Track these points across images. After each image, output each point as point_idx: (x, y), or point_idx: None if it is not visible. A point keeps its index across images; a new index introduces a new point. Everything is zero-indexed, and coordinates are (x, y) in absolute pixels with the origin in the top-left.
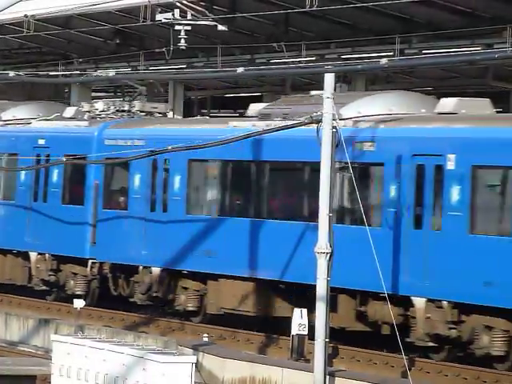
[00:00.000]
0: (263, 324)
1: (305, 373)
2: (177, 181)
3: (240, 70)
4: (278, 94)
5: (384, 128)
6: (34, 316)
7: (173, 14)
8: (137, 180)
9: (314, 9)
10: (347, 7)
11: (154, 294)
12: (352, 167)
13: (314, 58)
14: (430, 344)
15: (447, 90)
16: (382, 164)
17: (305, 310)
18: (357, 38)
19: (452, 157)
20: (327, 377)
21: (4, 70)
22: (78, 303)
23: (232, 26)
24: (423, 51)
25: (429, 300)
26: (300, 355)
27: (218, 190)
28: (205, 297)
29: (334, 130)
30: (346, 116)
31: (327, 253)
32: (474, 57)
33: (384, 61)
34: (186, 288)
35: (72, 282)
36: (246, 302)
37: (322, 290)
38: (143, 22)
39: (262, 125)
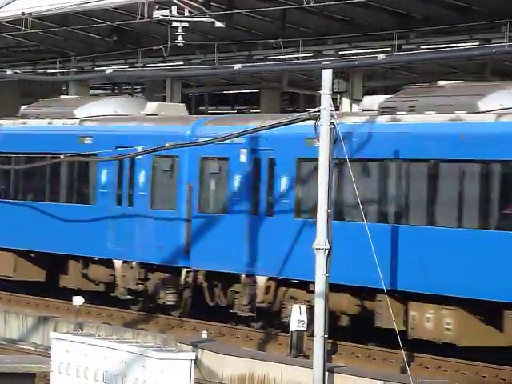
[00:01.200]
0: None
1: (304, 369)
2: None
3: (237, 66)
4: (275, 90)
5: (97, 126)
6: (33, 314)
7: (170, 11)
8: None
9: (312, 5)
10: (344, 3)
11: None
12: (76, 157)
13: (311, 55)
14: (129, 297)
15: None
16: (95, 154)
17: (303, 307)
18: (354, 33)
19: (141, 149)
20: (326, 373)
21: (1, 68)
22: (77, 301)
23: (229, 22)
24: (421, 47)
25: (124, 261)
26: (299, 351)
27: None
28: None
29: (332, 126)
30: (79, 116)
31: (325, 249)
32: (471, 52)
33: (381, 56)
34: None
35: None
36: (8, 269)
37: (320, 286)
38: (140, 19)
39: (19, 123)
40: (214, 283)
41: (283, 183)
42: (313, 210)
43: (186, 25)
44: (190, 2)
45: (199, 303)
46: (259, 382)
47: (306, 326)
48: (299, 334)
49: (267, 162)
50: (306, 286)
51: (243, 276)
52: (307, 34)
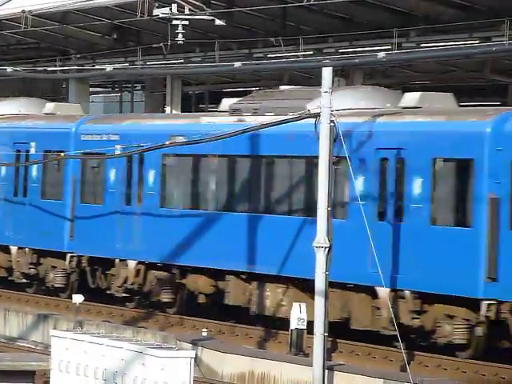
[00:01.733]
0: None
1: (304, 367)
2: None
3: (237, 64)
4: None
5: None
6: (33, 311)
7: (170, 9)
8: None
9: (312, 3)
10: (344, 1)
11: None
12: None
13: (311, 53)
14: (24, 281)
15: (445, 83)
16: None
17: (304, 305)
18: (354, 31)
19: (33, 144)
20: (326, 371)
21: (2, 66)
22: (77, 298)
23: (230, 20)
24: (421, 45)
25: (19, 248)
26: (299, 349)
27: None
28: None
29: (332, 124)
30: None
31: (325, 247)
32: (471, 50)
33: (382, 54)
34: None
35: None
36: None
37: (320, 284)
38: (141, 16)
39: None
40: (95, 267)
41: (150, 176)
42: (174, 200)
43: (186, 23)
44: (190, 0)
45: (86, 286)
46: (259, 380)
47: (305, 324)
48: (299, 332)
49: (137, 157)
50: (170, 268)
51: (117, 260)
52: (307, 32)
